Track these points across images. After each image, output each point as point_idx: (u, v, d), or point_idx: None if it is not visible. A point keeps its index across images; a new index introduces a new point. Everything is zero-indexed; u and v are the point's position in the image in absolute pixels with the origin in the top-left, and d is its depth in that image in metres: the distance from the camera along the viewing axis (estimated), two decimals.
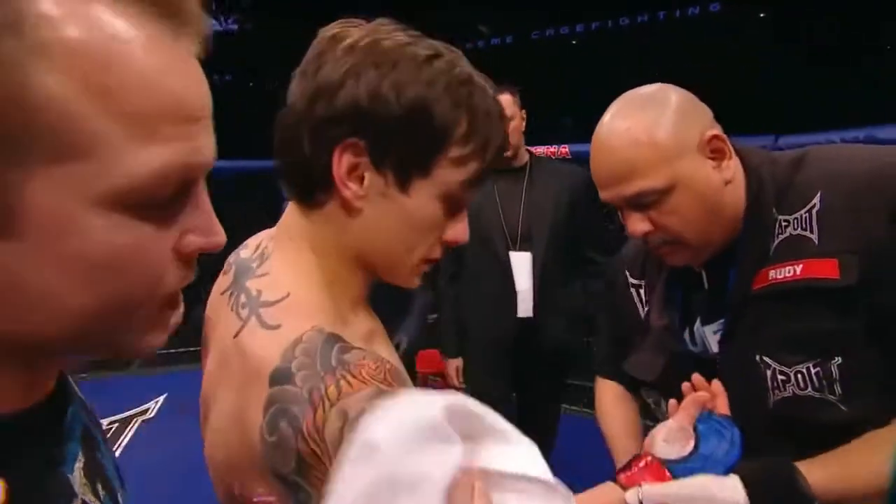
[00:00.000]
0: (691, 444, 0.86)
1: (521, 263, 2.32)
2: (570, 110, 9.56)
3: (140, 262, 0.38)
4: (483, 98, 0.67)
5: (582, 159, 3.07)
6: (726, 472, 0.83)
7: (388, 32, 0.65)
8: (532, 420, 2.41)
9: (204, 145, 0.40)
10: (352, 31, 0.65)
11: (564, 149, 3.34)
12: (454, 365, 2.48)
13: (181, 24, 0.38)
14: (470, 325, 2.41)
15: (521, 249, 2.32)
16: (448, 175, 0.66)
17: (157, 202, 0.38)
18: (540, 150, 3.34)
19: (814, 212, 0.89)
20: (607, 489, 0.87)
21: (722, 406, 0.92)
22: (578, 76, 10.85)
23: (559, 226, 2.30)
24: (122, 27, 0.35)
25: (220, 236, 0.42)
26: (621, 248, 1.24)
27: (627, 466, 0.87)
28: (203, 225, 0.41)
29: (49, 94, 0.33)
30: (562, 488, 0.43)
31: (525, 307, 2.32)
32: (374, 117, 0.63)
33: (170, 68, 0.37)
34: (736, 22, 9.63)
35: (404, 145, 0.64)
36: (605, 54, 10.41)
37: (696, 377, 0.96)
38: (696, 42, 9.28)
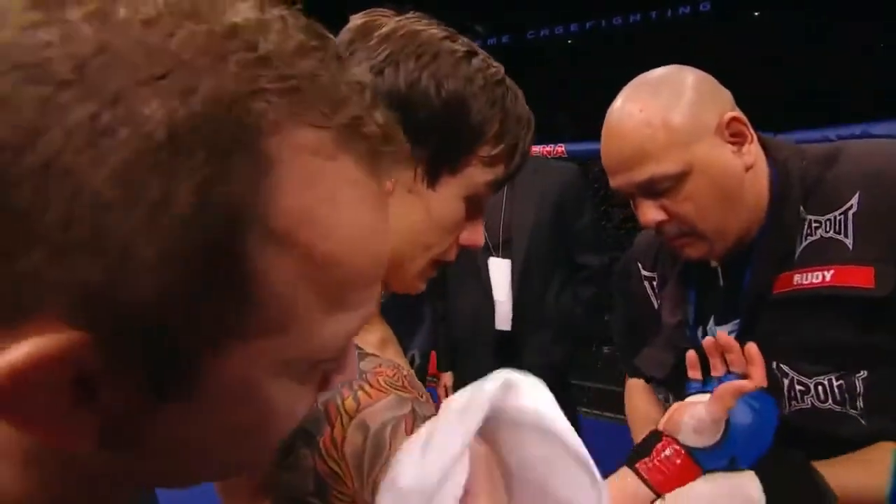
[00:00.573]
0: (721, 430, 0.77)
1: (500, 271, 2.11)
2: (566, 109, 9.58)
3: (291, 421, 0.36)
4: (515, 101, 0.65)
5: (578, 158, 3.07)
6: (759, 455, 0.77)
7: (424, 25, 0.63)
8: None
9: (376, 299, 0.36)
10: (385, 21, 0.63)
11: (560, 147, 3.33)
12: (443, 383, 2.33)
13: (387, 163, 0.34)
14: (456, 337, 2.25)
15: (502, 256, 2.11)
16: (476, 175, 0.64)
17: (323, 364, 0.35)
18: (536, 149, 3.34)
19: (850, 213, 0.82)
20: (624, 483, 0.77)
21: (758, 376, 0.79)
22: (574, 75, 10.87)
23: (542, 228, 2.07)
24: (346, 189, 0.31)
25: (356, 368, 0.40)
26: (618, 249, 1.21)
27: (645, 451, 0.78)
28: (345, 363, 0.38)
29: (267, 268, 0.28)
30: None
31: (503, 319, 2.12)
32: (411, 109, 0.59)
33: (373, 230, 0.33)
34: (728, 21, 9.66)
35: (439, 140, 0.61)
36: (599, 53, 10.44)
37: (722, 334, 0.84)
38: (688, 41, 9.30)
